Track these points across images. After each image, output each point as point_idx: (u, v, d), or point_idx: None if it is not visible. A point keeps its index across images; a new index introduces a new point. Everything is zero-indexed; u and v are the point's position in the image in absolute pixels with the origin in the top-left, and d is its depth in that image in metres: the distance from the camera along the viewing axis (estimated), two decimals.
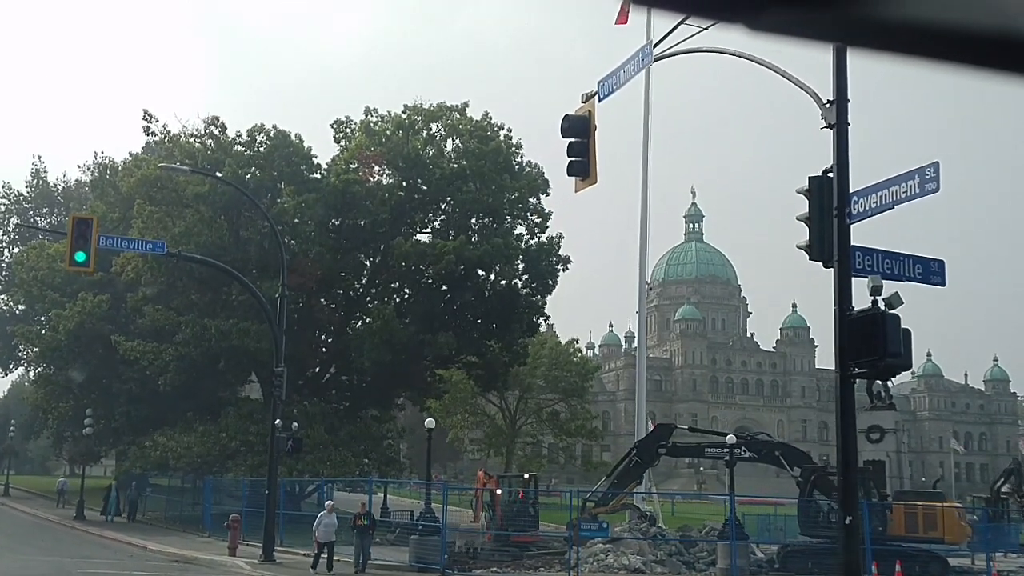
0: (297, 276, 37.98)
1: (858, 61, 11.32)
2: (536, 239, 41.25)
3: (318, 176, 40.37)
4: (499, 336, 41.95)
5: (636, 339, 43.42)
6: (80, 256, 23.01)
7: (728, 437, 32.72)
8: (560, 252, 41.37)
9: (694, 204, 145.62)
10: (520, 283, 40.68)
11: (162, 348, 39.35)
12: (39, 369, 49.20)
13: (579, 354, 67.88)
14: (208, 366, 40.24)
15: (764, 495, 40.85)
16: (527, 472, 34.35)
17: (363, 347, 38.28)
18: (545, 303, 43.34)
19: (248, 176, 39.53)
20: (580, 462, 68.03)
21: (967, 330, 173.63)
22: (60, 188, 66.24)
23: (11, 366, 68.87)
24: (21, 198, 64.77)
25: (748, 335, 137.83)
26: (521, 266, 39.72)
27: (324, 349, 43.31)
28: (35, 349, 47.02)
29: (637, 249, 35.85)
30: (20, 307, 60.43)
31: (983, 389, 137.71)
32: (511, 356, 43.25)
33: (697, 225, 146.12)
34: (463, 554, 25.42)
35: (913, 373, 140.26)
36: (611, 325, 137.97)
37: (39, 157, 72.28)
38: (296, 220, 38.92)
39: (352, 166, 39.68)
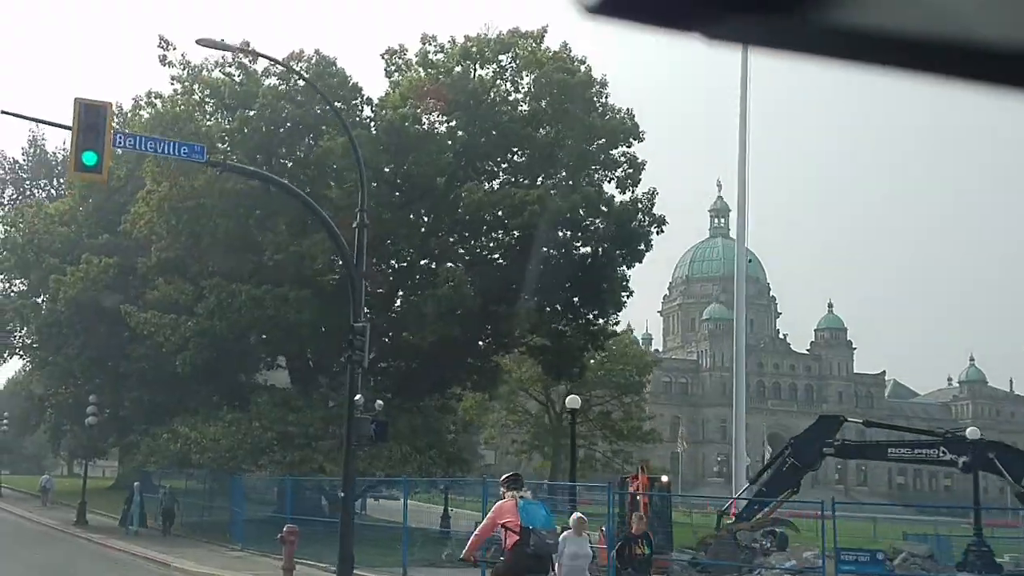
0: (342, 232, 31.53)
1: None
2: (625, 194, 34.68)
3: (368, 114, 33.86)
4: (579, 313, 35.43)
5: (734, 335, 36.66)
6: (90, 157, 16.44)
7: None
8: (654, 211, 34.79)
9: (720, 198, 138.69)
10: (607, 247, 33.98)
11: (180, 320, 32.79)
12: (34, 344, 42.48)
13: (636, 344, 61.24)
14: (234, 342, 33.67)
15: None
16: (663, 475, 27.74)
17: (424, 319, 31.70)
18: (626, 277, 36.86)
19: (284, 114, 32.99)
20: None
21: (1012, 335, 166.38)
22: (60, 158, 59.74)
23: (5, 355, 62.34)
24: (17, 167, 58.29)
25: (780, 336, 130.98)
26: (614, 228, 33.05)
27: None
28: (29, 326, 40.39)
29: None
30: (15, 286, 53.91)
31: None
32: (589, 338, 36.66)
33: (723, 220, 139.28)
34: None
35: (950, 379, 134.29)
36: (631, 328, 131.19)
37: (36, 124, 65.56)
38: (340, 164, 32.45)
39: (405, 107, 33.10)
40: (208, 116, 34.63)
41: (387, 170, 33.58)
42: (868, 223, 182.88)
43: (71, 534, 31.91)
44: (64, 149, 59.04)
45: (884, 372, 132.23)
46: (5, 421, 57.61)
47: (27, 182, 59.06)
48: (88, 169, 16.68)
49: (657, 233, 35.13)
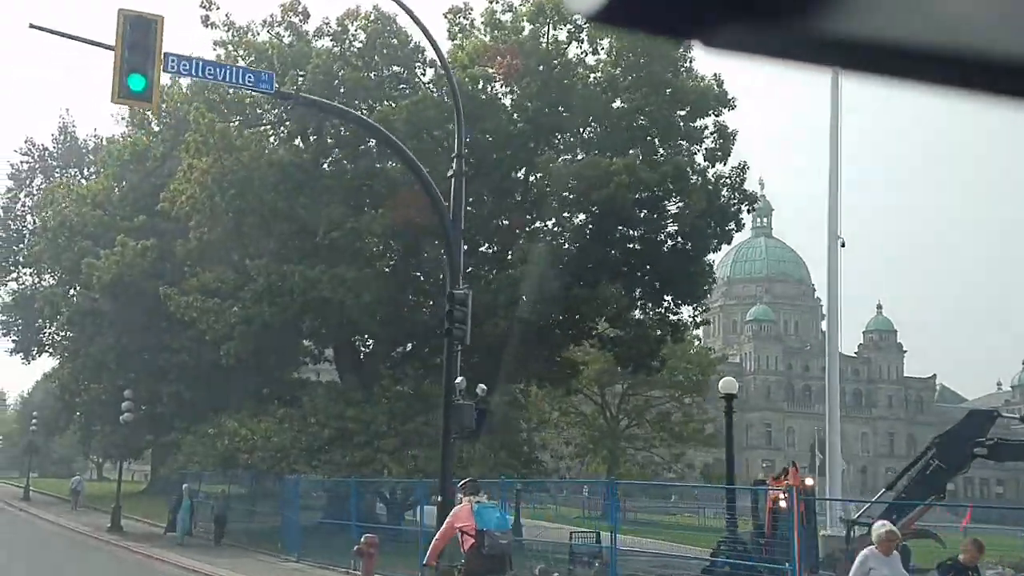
0: (402, 210, 28.40)
1: None
2: (713, 169, 31.25)
3: (432, 77, 30.71)
4: (660, 300, 32.10)
5: (826, 338, 32.99)
6: (136, 81, 13.33)
7: None
8: (745, 187, 31.36)
9: (763, 196, 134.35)
10: (694, 227, 30.48)
11: (225, 306, 29.77)
12: (65, 337, 39.59)
13: (697, 341, 57.74)
14: (282, 331, 30.61)
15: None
16: (807, 478, 24.15)
17: (494, 305, 28.45)
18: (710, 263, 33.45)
19: (337, 81, 29.91)
20: (699, 475, 57.80)
21: None
22: (91, 145, 57.16)
23: (34, 352, 59.84)
24: (46, 153, 55.67)
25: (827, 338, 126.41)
26: (704, 203, 29.59)
27: (426, 310, 33.31)
28: (60, 316, 37.49)
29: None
30: (45, 280, 51.30)
31: None
32: (669, 329, 33.22)
33: (766, 219, 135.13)
34: None
35: (999, 384, 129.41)
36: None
37: (67, 110, 63.24)
38: (402, 131, 29.30)
39: (473, 69, 29.84)
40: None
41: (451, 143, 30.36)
42: (916, 224, 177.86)
43: (107, 542, 28.88)
44: (96, 136, 56.39)
45: (934, 376, 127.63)
46: (34, 422, 54.98)
47: (57, 171, 56.43)
48: (134, 95, 13.57)
49: (748, 212, 31.68)
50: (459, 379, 15.04)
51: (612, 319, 31.09)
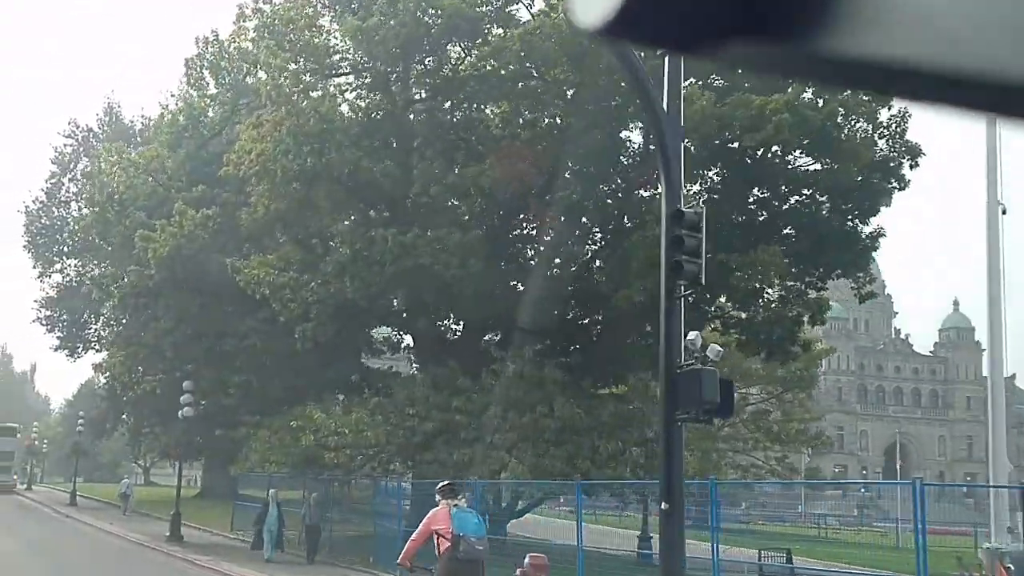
0: (505, 165, 23.99)
1: None
2: (857, 132, 26.26)
3: (532, 15, 26.23)
4: (809, 271, 27.37)
5: (987, 337, 27.19)
6: None
7: None
8: (903, 157, 26.32)
9: None
10: (854, 183, 25.57)
11: (303, 280, 25.48)
12: (118, 325, 35.57)
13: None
14: (365, 309, 26.35)
15: None
16: None
17: (627, 271, 23.92)
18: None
19: (428, 16, 25.54)
20: (803, 478, 52.66)
21: None
22: (138, 126, 53.47)
23: (80, 349, 56.35)
24: (91, 135, 52.02)
25: (901, 337, 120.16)
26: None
27: (516, 283, 28.74)
28: (112, 299, 33.38)
29: None
30: (90, 268, 47.60)
31: None
32: (804, 308, 28.37)
33: None
34: None
35: None
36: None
37: (112, 91, 59.98)
38: (501, 83, 24.95)
39: None
40: (331, 20, 27.53)
41: (569, 92, 25.86)
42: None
43: (168, 553, 24.57)
44: (144, 117, 52.60)
45: (1014, 376, 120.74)
46: (81, 422, 51.30)
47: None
48: None
49: (911, 168, 26.75)
50: (692, 335, 10.46)
51: (744, 296, 26.34)
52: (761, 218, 25.50)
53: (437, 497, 10.72)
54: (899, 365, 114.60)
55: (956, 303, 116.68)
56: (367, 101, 27.56)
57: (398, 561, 10.84)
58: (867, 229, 27.05)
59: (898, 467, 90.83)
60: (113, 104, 53.75)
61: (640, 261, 23.36)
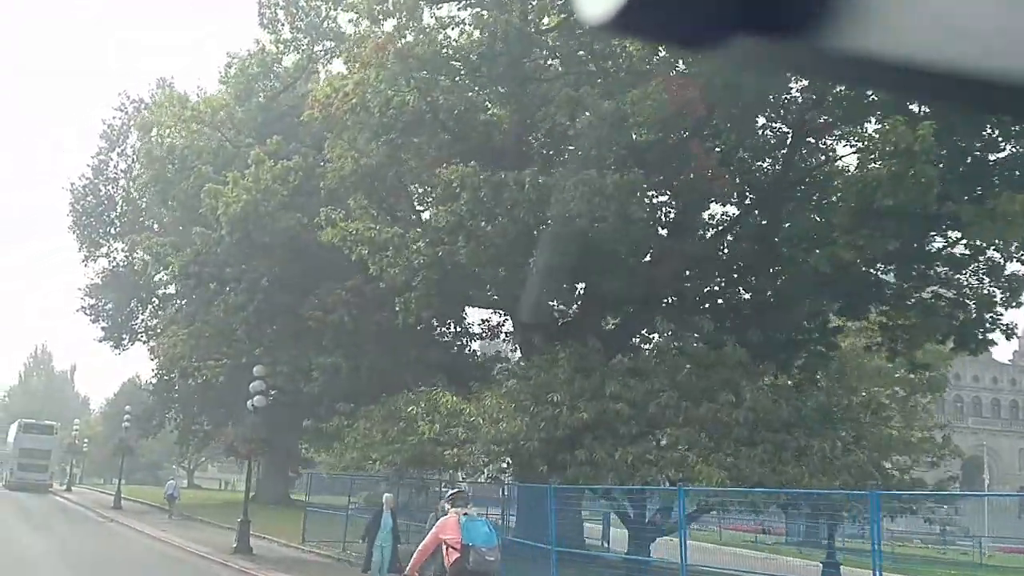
0: (674, 90, 19.21)
1: None
2: None
3: None
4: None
5: None
6: None
7: None
8: None
9: None
10: None
11: (406, 239, 20.81)
12: (176, 301, 31.11)
13: None
14: (475, 277, 21.71)
15: None
16: None
17: (811, 228, 19.04)
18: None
19: None
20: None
21: None
22: (193, 100, 49.30)
23: (125, 340, 52.30)
24: (142, 106, 47.95)
25: None
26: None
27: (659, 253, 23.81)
28: (170, 269, 28.84)
29: None
30: (138, 255, 43.37)
31: None
32: (1003, 290, 23.12)
33: None
34: None
35: None
36: None
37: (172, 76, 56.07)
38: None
39: None
40: None
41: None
42: None
43: (248, 573, 19.80)
44: (200, 91, 48.42)
45: None
46: (127, 418, 47.16)
47: (154, 128, 48.69)
48: None
49: None
50: None
51: (958, 262, 21.33)
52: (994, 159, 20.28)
53: (446, 506, 10.67)
54: (977, 374, 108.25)
55: None
56: (481, 27, 22.87)
57: (406, 572, 10.68)
58: None
59: (986, 481, 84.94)
60: (166, 77, 49.68)
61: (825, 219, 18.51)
